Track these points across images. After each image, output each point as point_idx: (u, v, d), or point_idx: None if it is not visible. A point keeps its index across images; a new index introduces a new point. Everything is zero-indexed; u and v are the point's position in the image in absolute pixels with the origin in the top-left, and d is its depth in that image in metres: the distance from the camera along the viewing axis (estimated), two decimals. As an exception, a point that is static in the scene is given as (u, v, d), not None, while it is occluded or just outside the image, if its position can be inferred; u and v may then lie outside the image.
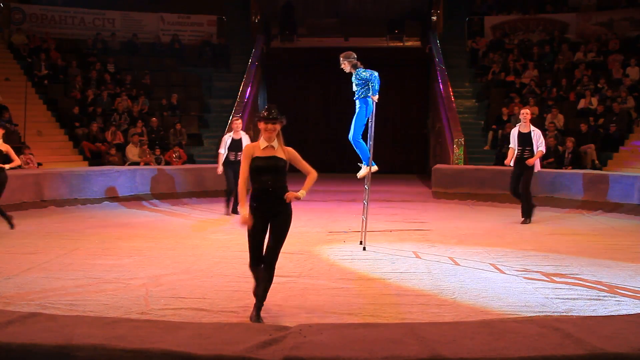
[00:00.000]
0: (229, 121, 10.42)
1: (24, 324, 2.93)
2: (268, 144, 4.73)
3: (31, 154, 13.48)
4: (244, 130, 10.69)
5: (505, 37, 19.84)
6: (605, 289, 5.71)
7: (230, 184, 10.26)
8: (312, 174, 4.89)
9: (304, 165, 4.90)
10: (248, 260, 4.86)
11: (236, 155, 9.99)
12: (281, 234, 4.76)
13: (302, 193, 4.77)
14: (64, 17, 19.44)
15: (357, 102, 7.79)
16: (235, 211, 10.22)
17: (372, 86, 7.60)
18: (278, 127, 4.73)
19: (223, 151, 10.29)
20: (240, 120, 10.49)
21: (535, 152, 9.59)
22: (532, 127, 9.77)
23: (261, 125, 4.72)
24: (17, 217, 9.90)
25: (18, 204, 10.61)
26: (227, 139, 10.34)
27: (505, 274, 6.34)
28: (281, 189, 4.73)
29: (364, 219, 7.80)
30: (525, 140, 9.64)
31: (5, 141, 9.20)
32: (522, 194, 9.79)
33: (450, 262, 6.93)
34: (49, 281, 5.87)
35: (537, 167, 9.80)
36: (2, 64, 17.10)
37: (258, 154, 4.72)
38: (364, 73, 7.67)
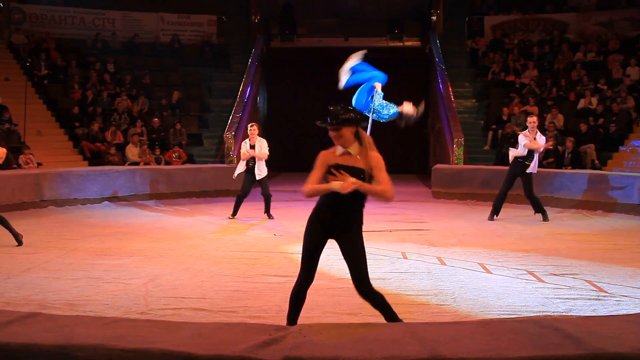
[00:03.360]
0: (249, 130, 10.26)
1: (24, 324, 2.93)
2: (344, 150, 3.94)
3: (31, 154, 13.48)
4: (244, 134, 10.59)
5: (505, 37, 19.85)
6: (605, 289, 5.71)
7: (244, 189, 10.22)
8: (385, 193, 3.89)
9: (383, 178, 3.91)
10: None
11: (254, 162, 10.02)
12: (358, 259, 4.00)
13: (359, 183, 3.80)
14: (64, 17, 19.44)
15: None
16: (235, 215, 10.19)
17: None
18: (344, 132, 3.89)
19: (243, 165, 10.20)
20: (254, 127, 10.24)
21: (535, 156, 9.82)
22: (539, 133, 10.01)
23: (329, 132, 3.96)
24: (17, 217, 9.90)
25: (18, 204, 10.61)
26: (244, 146, 10.21)
27: (505, 274, 6.34)
28: (355, 203, 3.97)
29: None
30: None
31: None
32: (529, 198, 10.03)
33: (450, 262, 6.93)
34: (49, 281, 5.88)
35: (535, 169, 9.92)
36: (2, 64, 17.11)
37: (336, 161, 3.92)
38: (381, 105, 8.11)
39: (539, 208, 10.04)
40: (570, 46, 18.66)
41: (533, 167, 9.84)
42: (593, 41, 18.48)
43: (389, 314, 4.05)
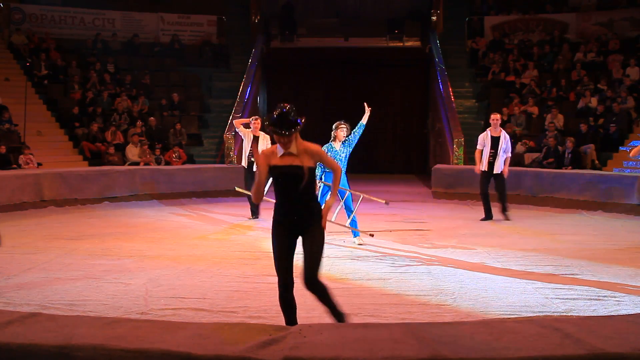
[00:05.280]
0: (251, 122, 10.30)
1: (24, 324, 2.93)
2: (285, 151, 4.11)
3: (31, 154, 13.48)
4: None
5: (505, 37, 19.85)
6: (605, 289, 5.71)
7: (247, 186, 10.30)
8: (337, 172, 4.38)
9: (330, 161, 4.45)
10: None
11: (252, 155, 10.10)
12: (317, 249, 4.11)
13: (330, 201, 4.26)
14: (64, 17, 19.44)
15: (344, 148, 7.99)
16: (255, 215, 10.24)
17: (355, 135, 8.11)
18: (293, 137, 4.08)
19: (244, 160, 10.31)
20: (258, 120, 10.26)
21: (500, 156, 9.86)
22: (503, 132, 10.08)
23: (274, 135, 4.14)
24: (17, 217, 9.92)
25: (18, 204, 10.61)
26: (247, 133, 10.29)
27: (505, 274, 6.34)
28: (308, 197, 4.18)
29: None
30: (495, 143, 9.90)
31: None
32: (500, 194, 10.08)
33: (450, 262, 6.93)
34: (49, 281, 5.87)
35: (506, 173, 10.00)
36: (2, 64, 17.11)
37: (276, 162, 4.10)
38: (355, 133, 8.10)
39: (504, 204, 10.12)
40: (570, 46, 18.66)
41: (505, 172, 9.94)
42: (593, 41, 18.48)
43: (333, 307, 4.15)
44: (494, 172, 9.91)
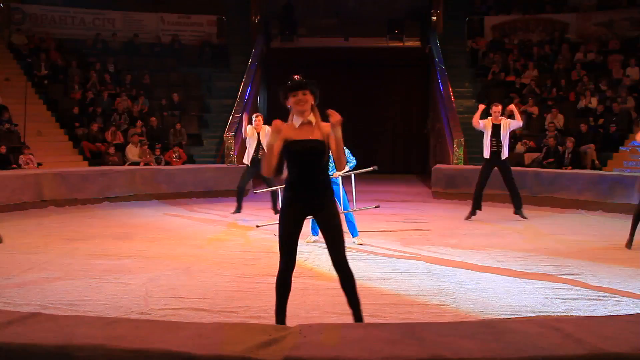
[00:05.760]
0: (254, 119, 10.34)
1: (24, 324, 2.92)
2: (303, 119, 3.87)
3: (31, 154, 13.48)
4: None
5: (505, 37, 19.86)
6: (605, 289, 5.71)
7: (244, 181, 10.39)
8: (342, 163, 3.99)
9: (342, 152, 3.95)
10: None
11: (257, 152, 10.19)
12: (338, 226, 3.92)
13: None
14: (64, 17, 19.45)
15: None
16: (239, 210, 10.28)
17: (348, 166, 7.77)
18: (309, 97, 3.89)
19: (248, 158, 10.32)
20: (260, 117, 10.29)
21: (505, 145, 9.89)
22: (504, 119, 10.06)
23: (290, 100, 3.89)
24: (17, 217, 9.93)
25: (18, 204, 10.61)
26: (251, 131, 10.31)
27: (505, 274, 6.34)
28: (325, 174, 3.98)
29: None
30: (497, 131, 9.91)
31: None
32: (511, 191, 10.14)
33: (450, 262, 6.93)
34: (48, 281, 5.87)
35: (519, 120, 10.11)
36: (2, 64, 17.11)
37: (291, 135, 3.87)
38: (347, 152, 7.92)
39: (518, 199, 10.18)
40: (570, 46, 18.67)
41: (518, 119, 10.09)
42: (593, 41, 18.49)
43: (354, 298, 4.04)
44: (502, 158, 9.90)
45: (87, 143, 15.31)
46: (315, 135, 3.86)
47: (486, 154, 10.00)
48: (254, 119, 10.29)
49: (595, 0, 19.88)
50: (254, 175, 10.32)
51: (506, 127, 9.90)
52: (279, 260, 4.08)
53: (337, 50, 20.78)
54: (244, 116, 11.04)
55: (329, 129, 3.86)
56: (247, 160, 10.39)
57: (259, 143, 10.18)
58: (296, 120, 3.88)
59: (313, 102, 3.92)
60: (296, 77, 3.96)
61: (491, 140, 9.90)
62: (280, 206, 4.04)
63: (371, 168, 8.51)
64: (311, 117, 3.87)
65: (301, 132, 3.86)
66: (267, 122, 20.46)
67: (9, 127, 14.56)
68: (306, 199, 3.91)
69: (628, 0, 19.30)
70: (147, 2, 20.40)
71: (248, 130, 10.33)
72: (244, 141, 10.67)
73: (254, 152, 10.26)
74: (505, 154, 9.95)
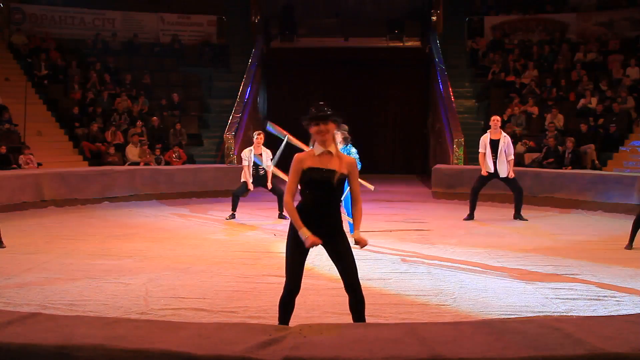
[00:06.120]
0: (255, 137, 10.21)
1: (24, 324, 2.92)
2: (324, 149, 3.91)
3: (31, 154, 13.47)
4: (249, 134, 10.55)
5: (505, 37, 19.85)
6: (605, 288, 5.71)
7: (241, 190, 10.26)
8: (358, 202, 4.04)
9: (357, 183, 4.05)
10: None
11: (257, 171, 10.11)
12: (349, 258, 3.97)
13: (357, 234, 4.00)
14: (64, 17, 19.45)
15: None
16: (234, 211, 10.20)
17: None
18: (331, 127, 3.90)
19: (246, 163, 10.19)
20: (261, 136, 10.15)
21: (503, 160, 9.90)
22: (503, 134, 10.11)
23: (312, 129, 3.94)
24: (17, 217, 9.92)
25: (18, 204, 10.61)
26: (247, 153, 10.17)
27: (505, 274, 6.34)
28: (336, 207, 4.03)
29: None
30: (495, 147, 9.94)
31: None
32: (515, 198, 10.25)
33: (450, 262, 6.93)
34: (49, 281, 5.88)
35: (512, 174, 10.05)
36: (2, 64, 17.11)
37: (310, 164, 3.89)
38: (353, 151, 7.98)
39: (519, 203, 10.24)
40: (570, 46, 18.67)
41: (511, 174, 10.01)
42: (593, 41, 18.48)
43: (360, 320, 4.04)
44: (500, 176, 9.96)
45: (87, 143, 15.31)
46: (333, 165, 3.91)
47: (489, 168, 10.01)
48: (255, 136, 10.20)
49: (595, 0, 19.88)
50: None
51: (504, 145, 9.90)
52: (284, 283, 4.05)
53: (337, 50, 20.78)
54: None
55: (348, 162, 3.96)
56: (245, 179, 10.20)
57: (256, 164, 10.09)
58: (317, 149, 3.94)
59: (333, 137, 3.97)
60: (321, 103, 3.99)
61: (492, 157, 9.97)
62: (289, 234, 4.01)
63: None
64: (332, 148, 3.93)
65: (321, 160, 3.91)
66: (269, 118, 20.59)
67: (9, 127, 14.56)
68: (317, 226, 3.89)
69: (628, 0, 19.30)
70: (147, 2, 20.39)
71: (245, 153, 10.20)
72: (244, 142, 10.58)
73: (253, 171, 10.15)
74: (504, 172, 9.91)
